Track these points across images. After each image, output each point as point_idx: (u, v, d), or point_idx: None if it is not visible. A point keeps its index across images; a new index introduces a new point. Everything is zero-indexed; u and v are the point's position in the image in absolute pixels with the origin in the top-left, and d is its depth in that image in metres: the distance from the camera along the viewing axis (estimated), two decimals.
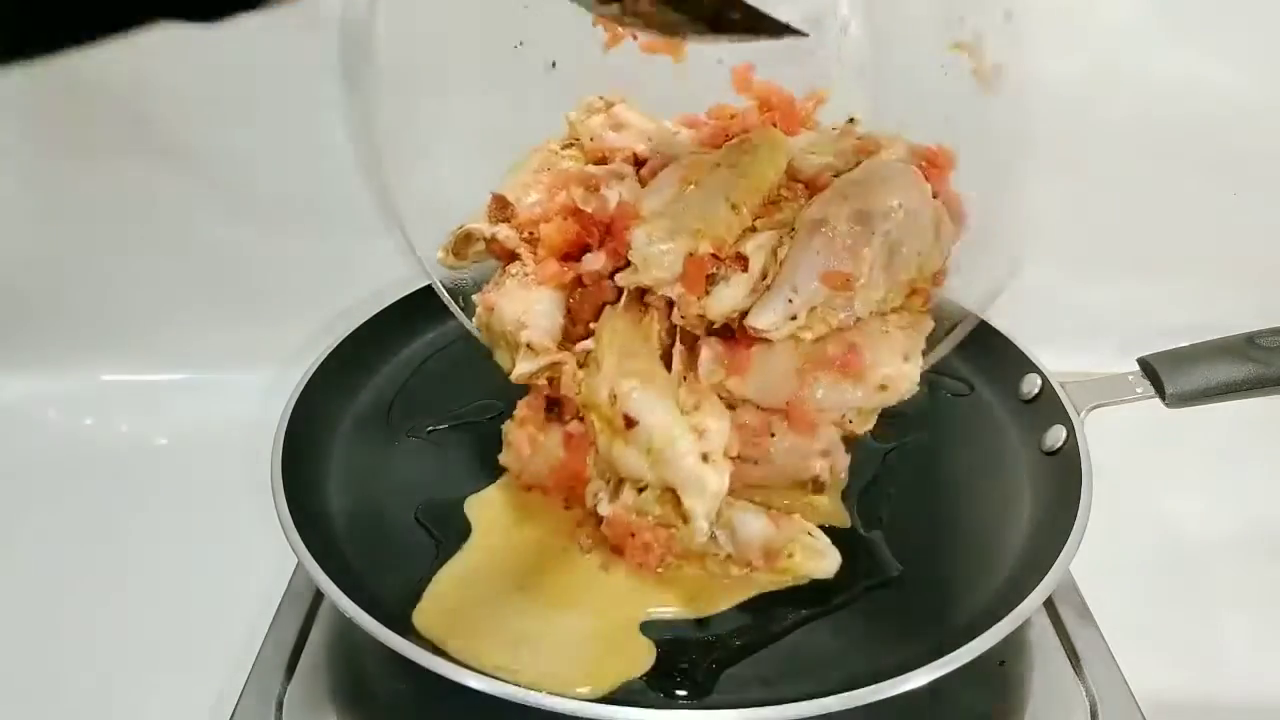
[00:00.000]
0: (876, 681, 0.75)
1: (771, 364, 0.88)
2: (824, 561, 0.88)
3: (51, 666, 1.01)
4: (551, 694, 0.72)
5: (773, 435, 0.90)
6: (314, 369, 1.08)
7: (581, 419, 0.91)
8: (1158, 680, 0.93)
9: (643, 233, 0.88)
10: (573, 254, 0.95)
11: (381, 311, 1.19)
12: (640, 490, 0.84)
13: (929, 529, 0.96)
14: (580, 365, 0.90)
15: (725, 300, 0.87)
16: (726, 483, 0.81)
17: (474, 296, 1.01)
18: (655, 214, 0.90)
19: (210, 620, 1.03)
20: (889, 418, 0.93)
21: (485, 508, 0.97)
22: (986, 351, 1.16)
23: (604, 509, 0.86)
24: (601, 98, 0.92)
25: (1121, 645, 0.94)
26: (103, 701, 0.98)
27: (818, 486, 0.94)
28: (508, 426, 0.97)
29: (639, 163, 1.01)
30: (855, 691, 0.73)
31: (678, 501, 0.81)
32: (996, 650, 0.75)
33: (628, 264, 0.89)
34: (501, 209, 0.99)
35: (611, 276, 0.91)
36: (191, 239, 1.39)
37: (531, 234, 0.97)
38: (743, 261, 0.88)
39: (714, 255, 0.88)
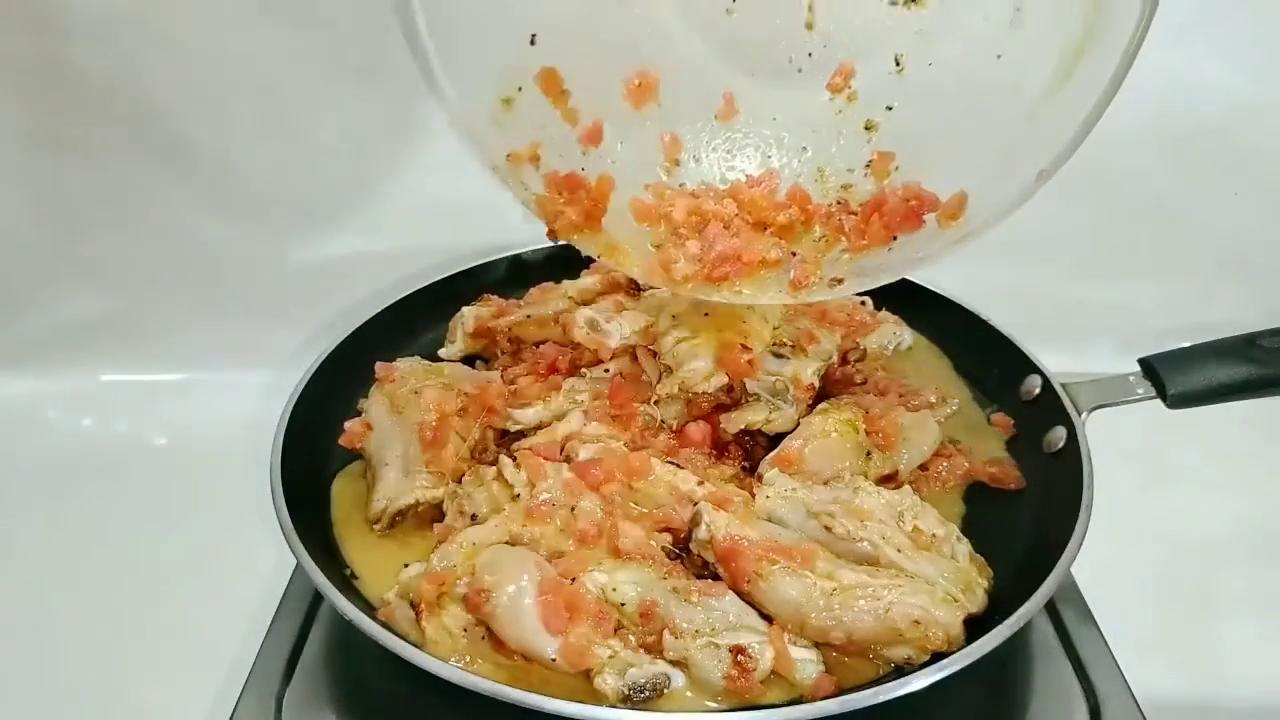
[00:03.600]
0: (880, 684, 0.75)
1: None
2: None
3: (51, 666, 1.01)
4: (548, 697, 0.72)
5: None
6: (314, 369, 1.08)
7: None
8: (1158, 681, 0.93)
9: (670, 337, 0.99)
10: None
11: (381, 311, 1.19)
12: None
13: None
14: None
15: (780, 422, 0.99)
16: None
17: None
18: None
19: (210, 620, 1.03)
20: None
21: None
22: (988, 352, 1.16)
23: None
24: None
25: (1122, 646, 0.94)
26: (103, 701, 0.97)
27: None
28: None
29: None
30: (858, 694, 0.73)
31: None
32: (998, 652, 0.76)
33: None
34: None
35: None
36: (191, 239, 1.38)
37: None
38: (812, 389, 1.01)
39: (743, 345, 0.97)
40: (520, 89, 0.92)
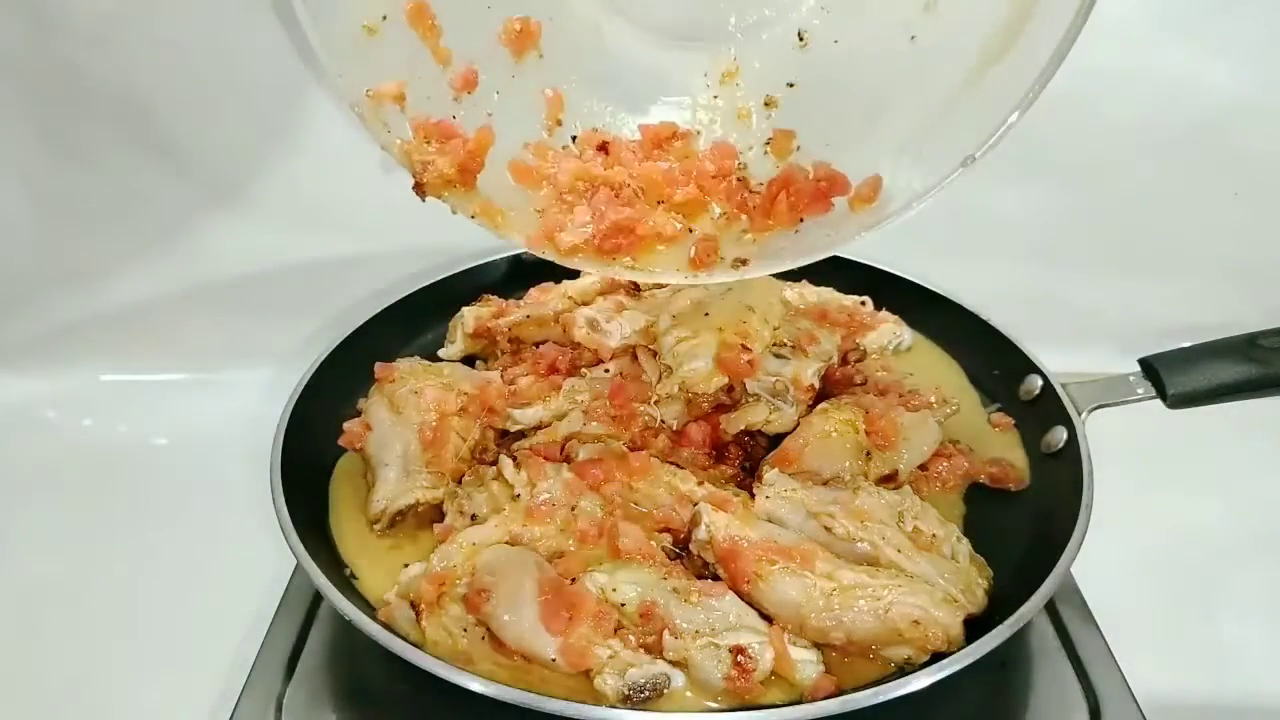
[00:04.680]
0: (880, 684, 0.75)
1: None
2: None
3: (51, 666, 1.01)
4: (548, 697, 0.72)
5: None
6: (314, 369, 1.08)
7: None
8: (1158, 680, 0.93)
9: (670, 337, 0.98)
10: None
11: (381, 311, 1.19)
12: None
13: None
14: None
15: (779, 423, 0.98)
16: None
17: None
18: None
19: (210, 620, 1.03)
20: None
21: None
22: (988, 352, 1.17)
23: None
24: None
25: (1122, 646, 0.94)
26: (103, 701, 0.97)
27: None
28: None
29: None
30: (858, 694, 0.73)
31: None
32: (998, 652, 0.76)
33: None
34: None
35: None
36: (190, 239, 1.38)
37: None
38: (812, 390, 1.01)
39: (743, 346, 0.96)
40: (385, 17, 0.83)
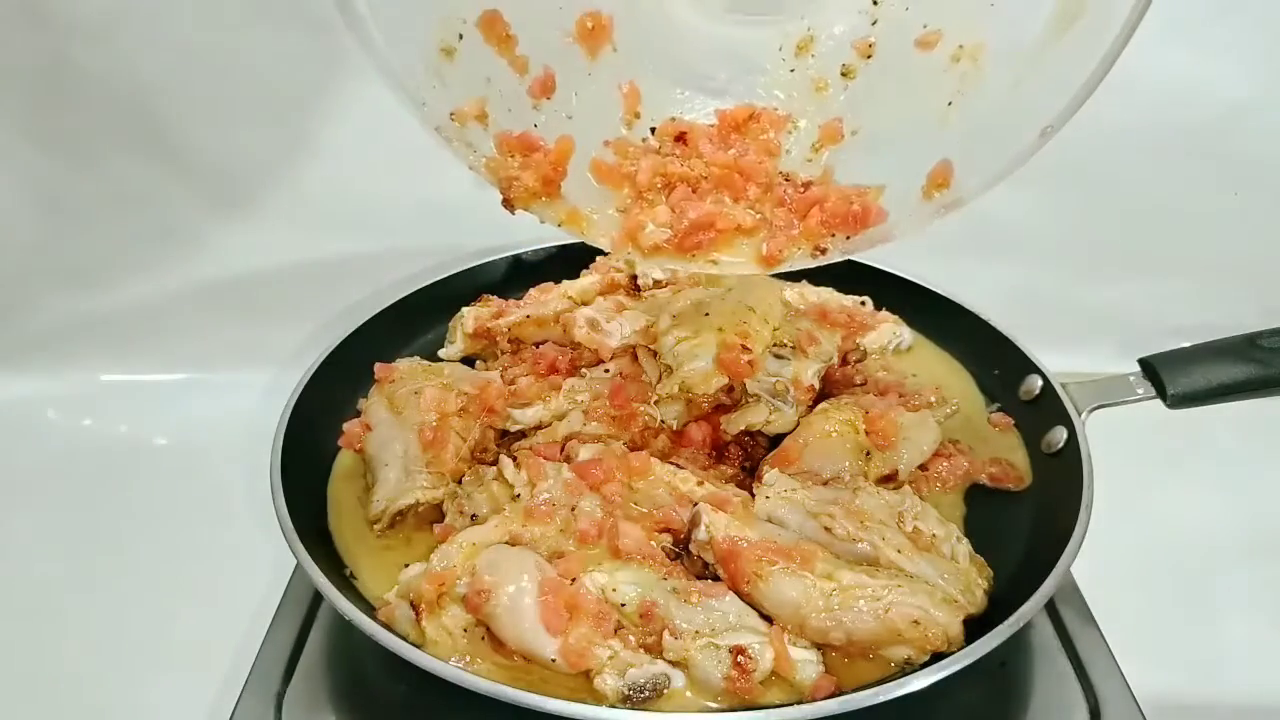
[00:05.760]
0: (880, 684, 0.75)
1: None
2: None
3: (51, 666, 1.01)
4: (548, 697, 0.72)
5: None
6: (314, 369, 1.08)
7: None
8: (1158, 681, 0.93)
9: (670, 337, 0.98)
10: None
11: (381, 311, 1.19)
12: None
13: None
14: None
15: (779, 424, 0.98)
16: None
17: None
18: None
19: (210, 620, 1.03)
20: None
21: None
22: (988, 352, 1.17)
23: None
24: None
25: (1123, 646, 0.94)
26: (103, 701, 0.97)
27: None
28: None
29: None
30: (858, 694, 0.73)
31: None
32: (998, 652, 0.76)
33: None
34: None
35: None
36: (191, 239, 1.38)
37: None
38: (812, 391, 1.01)
39: (743, 346, 0.95)
40: (461, 36, 0.82)
